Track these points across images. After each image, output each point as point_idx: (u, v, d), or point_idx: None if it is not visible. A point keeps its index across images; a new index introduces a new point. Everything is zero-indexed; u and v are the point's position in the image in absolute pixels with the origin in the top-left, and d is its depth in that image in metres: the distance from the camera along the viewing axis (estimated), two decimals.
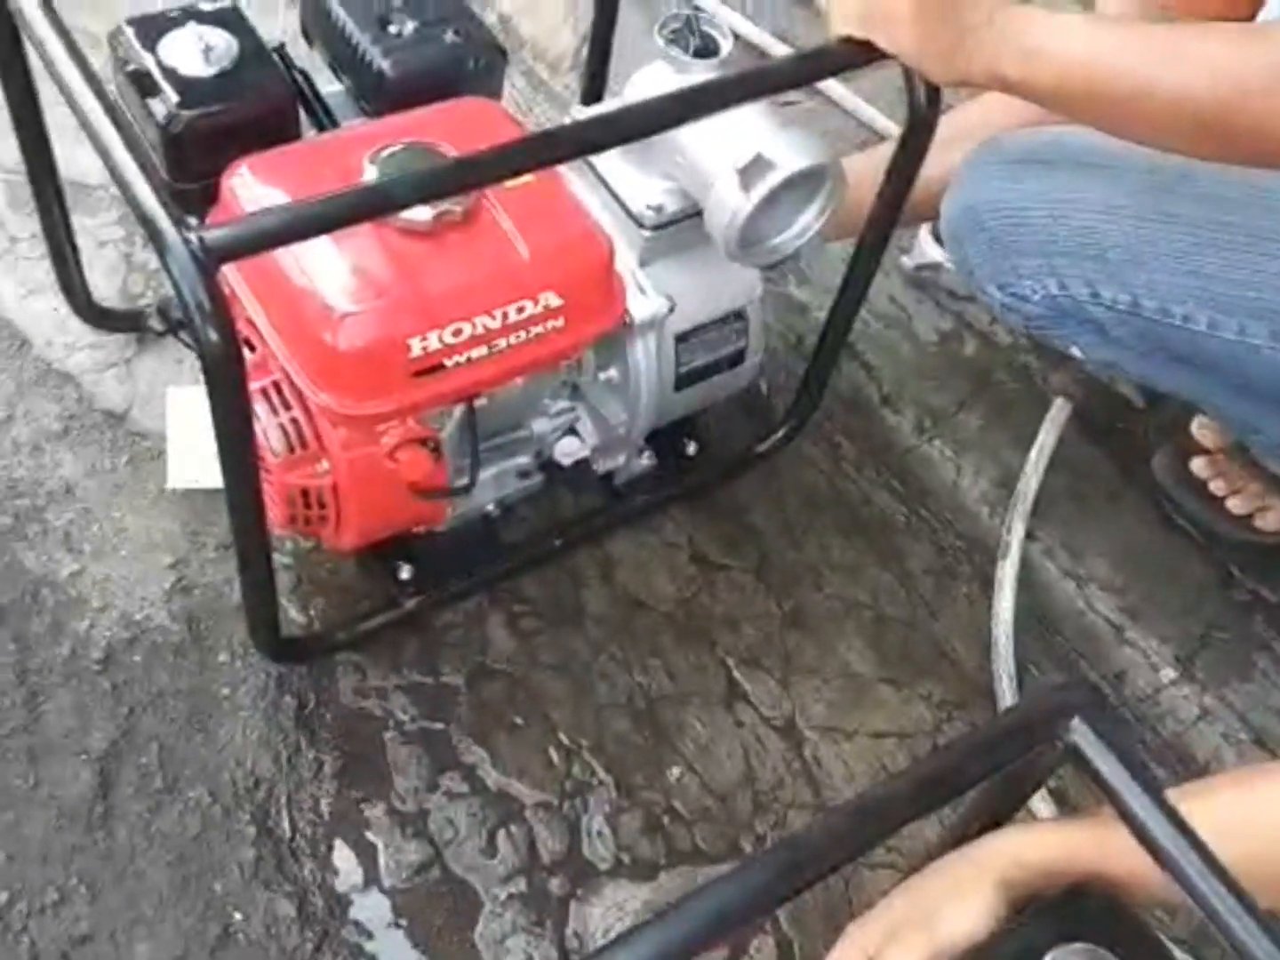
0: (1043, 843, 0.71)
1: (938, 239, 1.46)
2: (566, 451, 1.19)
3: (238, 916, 0.98)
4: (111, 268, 1.40)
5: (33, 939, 0.96)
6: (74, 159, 1.39)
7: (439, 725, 1.11)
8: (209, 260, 0.78)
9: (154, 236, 0.78)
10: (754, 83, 0.98)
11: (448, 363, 0.95)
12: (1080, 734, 0.63)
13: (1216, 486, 1.31)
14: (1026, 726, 0.67)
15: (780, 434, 1.33)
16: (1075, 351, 1.16)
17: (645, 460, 1.28)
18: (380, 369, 0.93)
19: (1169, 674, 1.20)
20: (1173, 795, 0.62)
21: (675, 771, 1.13)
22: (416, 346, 0.95)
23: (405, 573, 1.16)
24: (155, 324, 1.25)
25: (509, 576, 1.21)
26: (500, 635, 1.18)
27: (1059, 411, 1.35)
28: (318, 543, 1.17)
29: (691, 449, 1.31)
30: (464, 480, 1.08)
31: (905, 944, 0.69)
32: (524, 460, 1.20)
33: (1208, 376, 1.12)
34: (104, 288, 1.36)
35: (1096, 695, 0.66)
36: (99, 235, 1.42)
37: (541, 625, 1.20)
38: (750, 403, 1.38)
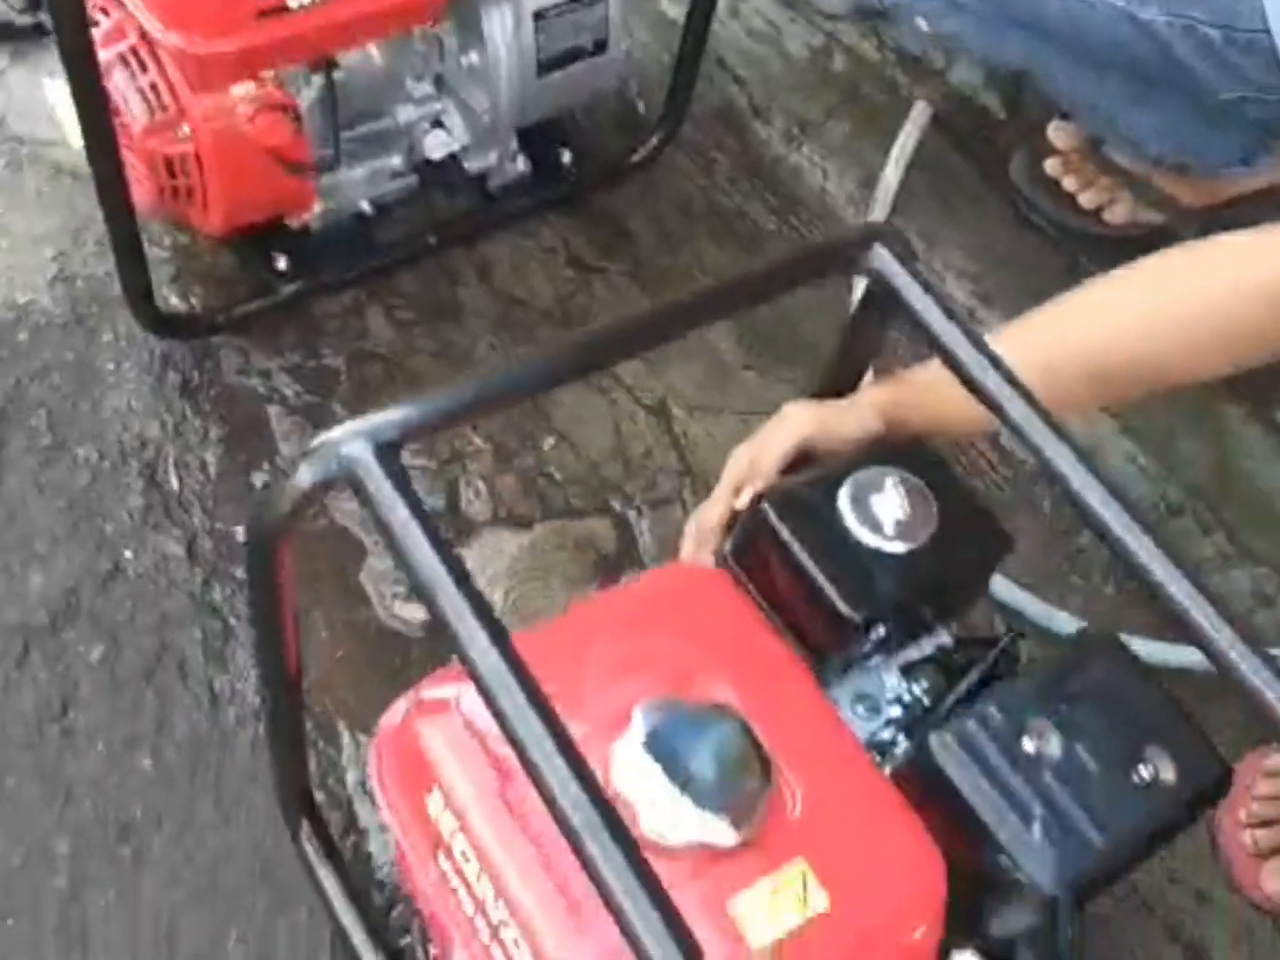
0: (891, 394, 0.80)
1: None
2: (435, 144, 1.22)
3: (127, 554, 1.04)
4: None
5: None
6: None
7: (321, 400, 1.17)
8: None
9: None
10: None
11: (291, 4, 0.97)
12: (880, 259, 0.66)
13: (1068, 184, 1.37)
14: (828, 251, 0.73)
15: (652, 142, 1.36)
16: (921, 24, 1.20)
17: (520, 166, 1.31)
18: (223, 4, 0.95)
19: None
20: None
21: (550, 441, 1.19)
22: None
23: (282, 263, 1.19)
24: (22, 16, 1.26)
25: (385, 272, 1.25)
26: (379, 324, 1.23)
27: (920, 113, 1.40)
28: (194, 235, 1.20)
29: (567, 158, 1.34)
30: (327, 152, 1.11)
31: (793, 419, 0.78)
32: (395, 160, 1.23)
33: (1049, 43, 1.16)
34: None
35: (900, 235, 0.70)
36: None
37: (419, 317, 1.24)
38: (625, 117, 1.41)
